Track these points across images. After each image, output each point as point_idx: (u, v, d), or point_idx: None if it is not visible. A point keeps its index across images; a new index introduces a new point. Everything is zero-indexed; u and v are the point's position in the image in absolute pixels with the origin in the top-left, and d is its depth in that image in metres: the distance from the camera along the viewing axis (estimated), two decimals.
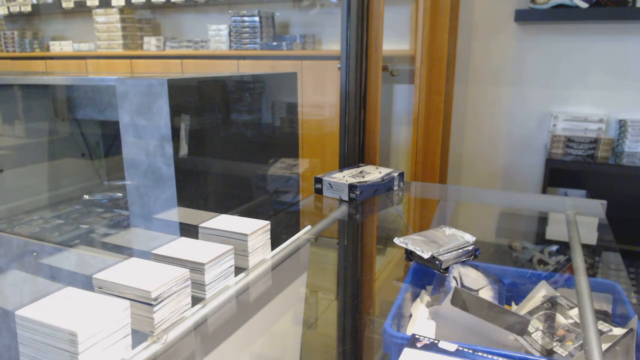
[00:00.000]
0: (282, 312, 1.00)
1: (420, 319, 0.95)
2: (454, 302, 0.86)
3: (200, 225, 0.97)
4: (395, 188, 1.69)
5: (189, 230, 1.07)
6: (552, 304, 0.94)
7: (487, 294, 0.99)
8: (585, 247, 1.18)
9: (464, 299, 0.86)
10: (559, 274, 1.11)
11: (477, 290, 1.00)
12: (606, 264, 1.22)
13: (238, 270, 0.92)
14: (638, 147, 2.45)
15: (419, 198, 1.85)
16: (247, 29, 3.12)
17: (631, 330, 0.80)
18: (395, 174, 1.68)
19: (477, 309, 0.85)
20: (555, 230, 1.50)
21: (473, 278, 1.03)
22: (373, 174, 1.67)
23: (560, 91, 2.63)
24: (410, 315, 0.97)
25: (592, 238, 1.35)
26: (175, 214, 1.19)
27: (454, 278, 1.00)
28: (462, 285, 0.99)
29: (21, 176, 1.72)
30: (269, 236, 1.00)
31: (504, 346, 0.83)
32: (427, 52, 2.31)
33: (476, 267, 1.08)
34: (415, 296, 1.03)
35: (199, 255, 0.84)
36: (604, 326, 0.87)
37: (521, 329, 0.82)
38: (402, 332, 0.86)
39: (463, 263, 1.08)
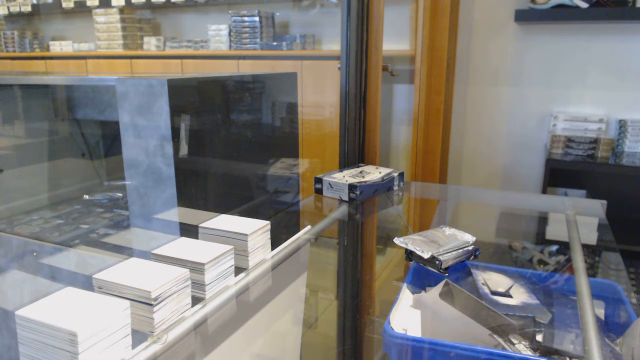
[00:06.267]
0: (282, 312, 1.00)
1: (405, 306, 0.95)
2: (442, 295, 0.87)
3: (200, 225, 0.97)
4: (395, 188, 1.69)
5: (189, 230, 1.07)
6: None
7: (519, 291, 0.98)
8: (585, 247, 1.18)
9: (452, 294, 0.86)
10: (559, 274, 1.11)
11: (508, 290, 0.99)
12: (606, 264, 1.22)
13: (238, 270, 0.92)
14: (638, 147, 2.45)
15: (419, 198, 1.85)
16: (247, 29, 3.12)
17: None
18: (395, 174, 1.68)
19: (463, 305, 0.85)
20: (555, 230, 1.50)
21: (499, 281, 1.03)
22: (373, 174, 1.67)
23: (560, 91, 2.63)
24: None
25: (592, 238, 1.35)
26: (175, 214, 1.19)
27: (483, 285, 1.00)
28: (492, 291, 0.99)
29: (21, 176, 1.72)
30: (269, 236, 1.00)
31: (481, 342, 0.82)
32: (427, 52, 2.31)
33: (495, 270, 1.07)
34: None
35: (199, 255, 0.84)
36: None
37: (503, 331, 0.82)
38: (402, 332, 0.86)
39: (483, 269, 1.07)
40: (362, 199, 1.55)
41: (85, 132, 1.92)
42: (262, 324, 0.92)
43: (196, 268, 0.82)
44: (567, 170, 2.52)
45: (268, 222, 0.99)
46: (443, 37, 2.35)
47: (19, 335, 0.64)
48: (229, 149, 1.36)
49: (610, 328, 0.93)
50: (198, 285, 0.83)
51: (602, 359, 0.73)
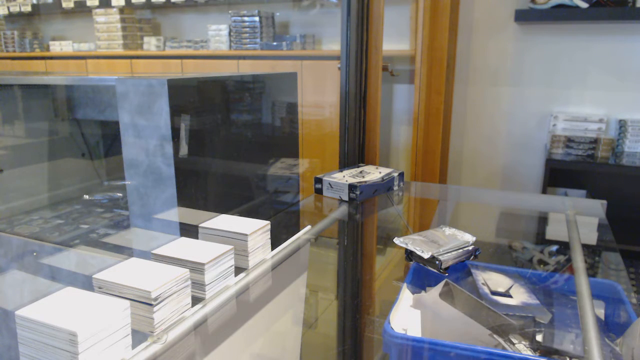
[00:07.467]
0: (282, 312, 1.00)
1: (405, 306, 0.95)
2: (442, 295, 0.87)
3: (200, 225, 0.97)
4: (395, 188, 1.69)
5: (189, 230, 1.07)
6: None
7: (520, 292, 0.98)
8: (585, 247, 1.18)
9: (452, 294, 0.86)
10: (559, 274, 1.11)
11: (508, 290, 0.99)
12: (606, 264, 1.22)
13: (238, 270, 0.92)
14: (638, 147, 2.45)
15: (419, 198, 1.85)
16: (247, 29, 3.12)
17: None
18: (395, 174, 1.68)
19: (463, 305, 0.85)
20: (555, 230, 1.50)
21: (499, 281, 1.03)
22: (373, 174, 1.67)
23: (560, 91, 2.63)
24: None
25: (592, 238, 1.35)
26: (175, 214, 1.19)
27: (483, 285, 1.00)
28: (492, 291, 0.99)
29: (21, 176, 1.72)
30: (269, 236, 1.00)
31: (481, 342, 0.82)
32: (427, 52, 2.31)
33: (495, 270, 1.07)
34: None
35: (199, 255, 0.84)
36: None
37: (503, 331, 0.82)
38: (402, 332, 0.86)
39: (483, 269, 1.07)
40: (362, 199, 1.55)
41: (85, 132, 1.92)
42: (262, 324, 0.92)
43: (196, 268, 0.82)
44: (567, 170, 2.52)
45: (268, 222, 0.99)
46: (443, 37, 2.35)
47: (19, 335, 0.64)
48: (229, 149, 1.36)
49: (610, 328, 0.93)
50: (198, 285, 0.83)
51: (602, 359, 0.73)
